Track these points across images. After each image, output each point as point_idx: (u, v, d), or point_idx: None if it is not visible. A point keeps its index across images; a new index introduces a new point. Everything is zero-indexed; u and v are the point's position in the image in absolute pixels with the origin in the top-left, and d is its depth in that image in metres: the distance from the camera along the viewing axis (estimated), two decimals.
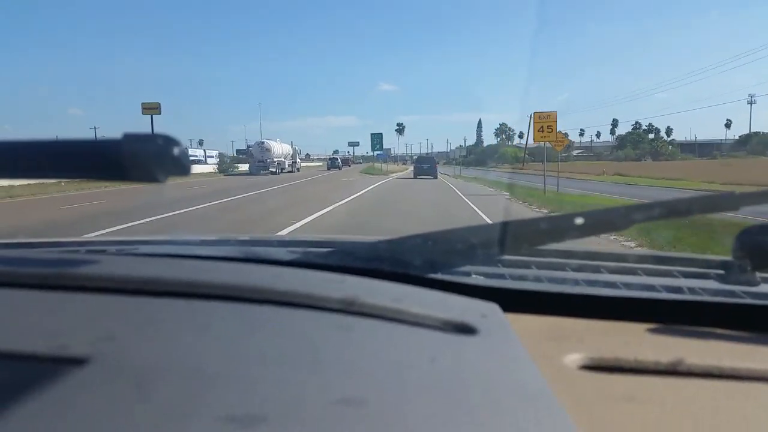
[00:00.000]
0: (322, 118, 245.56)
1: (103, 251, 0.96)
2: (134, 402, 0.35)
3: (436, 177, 30.77)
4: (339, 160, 65.30)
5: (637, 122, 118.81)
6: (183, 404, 0.35)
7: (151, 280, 0.59)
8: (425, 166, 32.91)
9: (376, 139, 56.28)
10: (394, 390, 0.39)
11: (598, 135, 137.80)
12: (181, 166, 0.52)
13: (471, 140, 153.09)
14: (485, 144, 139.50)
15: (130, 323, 0.50)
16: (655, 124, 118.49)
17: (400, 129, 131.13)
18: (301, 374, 0.40)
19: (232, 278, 0.61)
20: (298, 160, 52.97)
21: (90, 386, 0.37)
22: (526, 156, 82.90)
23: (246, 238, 1.33)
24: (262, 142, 45.10)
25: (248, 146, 58.88)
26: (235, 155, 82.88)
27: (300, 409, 0.35)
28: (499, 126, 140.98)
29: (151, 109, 40.96)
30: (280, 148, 47.55)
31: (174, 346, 0.44)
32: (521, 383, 0.42)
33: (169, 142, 0.51)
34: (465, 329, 0.52)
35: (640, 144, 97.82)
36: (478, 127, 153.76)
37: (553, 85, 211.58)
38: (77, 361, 0.40)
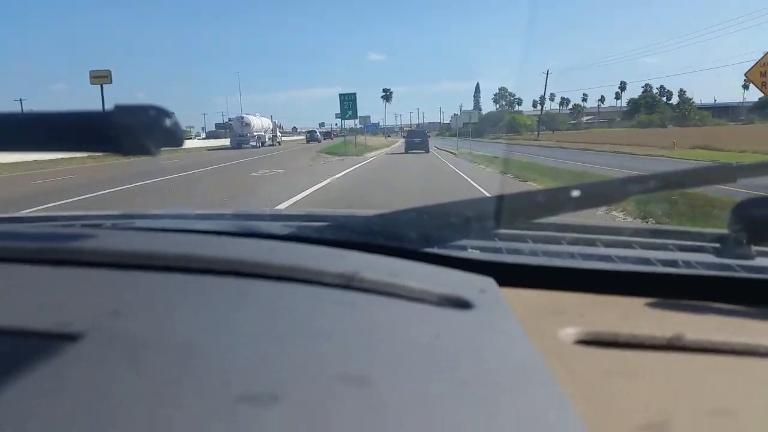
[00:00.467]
0: (310, 90, 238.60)
1: (98, 225, 0.96)
2: (128, 377, 0.35)
3: (427, 151, 30.05)
4: (318, 133, 64.69)
5: (647, 84, 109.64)
6: (178, 379, 0.34)
7: (146, 254, 0.59)
8: (416, 140, 32.09)
9: (348, 104, 34.87)
10: (392, 366, 0.39)
11: (602, 100, 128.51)
12: (173, 137, 0.52)
13: (466, 108, 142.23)
14: (483, 111, 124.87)
15: (125, 298, 0.50)
16: (666, 87, 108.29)
17: (387, 96, 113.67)
18: (300, 350, 0.40)
19: (228, 252, 0.60)
20: (278, 134, 53.40)
21: (83, 361, 0.37)
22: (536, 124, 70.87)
23: (241, 212, 1.29)
24: (242, 117, 45.37)
25: (228, 120, 62.28)
26: (214, 129, 77.49)
27: (298, 385, 0.35)
28: (498, 91, 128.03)
29: (101, 77, 37.21)
30: (259, 123, 50.62)
31: (169, 321, 0.44)
32: (517, 358, 0.42)
33: (161, 113, 0.51)
34: (461, 304, 0.52)
35: (656, 108, 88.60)
36: (475, 93, 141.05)
37: (549, 49, 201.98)
38: (71, 337, 0.40)
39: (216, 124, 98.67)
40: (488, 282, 0.61)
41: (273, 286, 0.54)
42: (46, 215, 1.18)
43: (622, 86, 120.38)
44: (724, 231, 0.77)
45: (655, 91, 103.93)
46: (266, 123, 48.80)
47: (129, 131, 0.51)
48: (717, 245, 0.78)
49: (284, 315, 0.47)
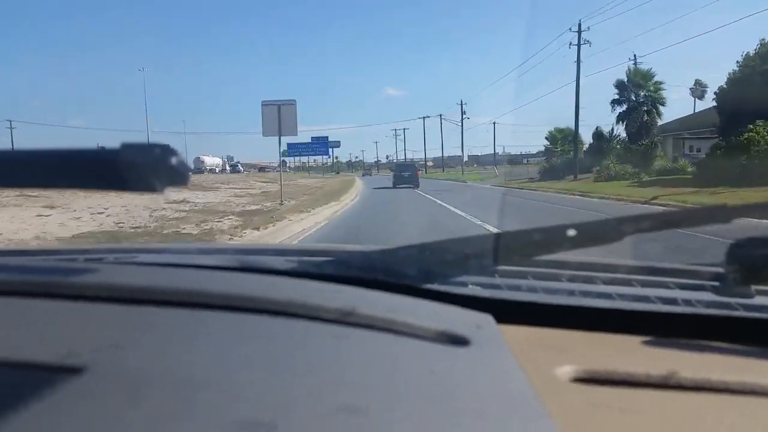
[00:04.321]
0: (324, 127, 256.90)
1: (100, 260, 0.98)
2: (129, 410, 0.36)
3: (417, 186, 28.56)
4: (239, 165, 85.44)
5: None
6: (178, 412, 0.36)
7: (148, 289, 0.61)
8: (405, 173, 30.38)
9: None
10: (386, 399, 0.40)
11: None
12: (179, 175, 0.53)
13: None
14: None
15: (127, 332, 0.52)
16: None
17: None
18: (297, 382, 0.41)
19: (229, 288, 0.63)
20: (227, 167, 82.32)
21: (85, 395, 0.38)
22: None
23: (242, 246, 1.34)
24: (198, 157, 76.51)
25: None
26: None
27: (295, 415, 0.36)
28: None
29: None
30: (211, 160, 79.61)
31: (170, 355, 0.46)
32: (513, 395, 0.43)
33: (167, 151, 0.52)
34: (458, 340, 0.53)
35: None
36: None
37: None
38: (73, 370, 0.41)
39: None
40: (486, 318, 0.62)
41: (272, 320, 0.55)
42: (50, 249, 1.20)
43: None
44: (722, 270, 0.79)
45: None
46: (217, 161, 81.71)
47: (135, 169, 0.52)
48: (716, 283, 0.80)
49: (283, 349, 0.49)
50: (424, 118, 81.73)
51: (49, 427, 0.34)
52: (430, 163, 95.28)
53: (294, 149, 36.95)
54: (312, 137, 40.73)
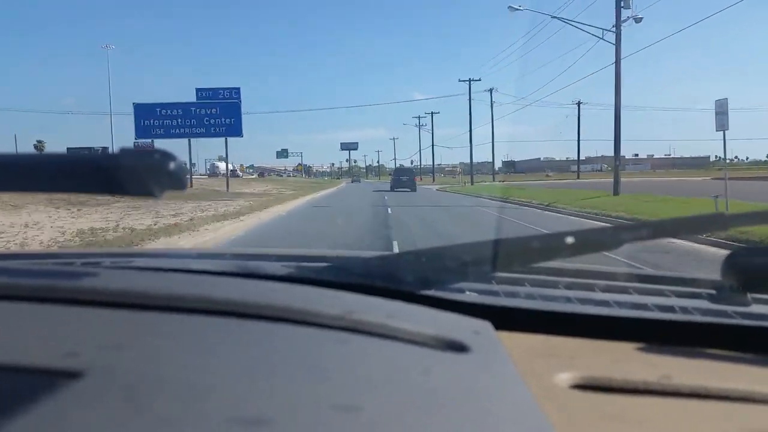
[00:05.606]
0: (355, 132, 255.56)
1: (98, 264, 0.99)
2: (128, 415, 0.36)
3: (414, 190, 29.49)
4: (238, 171, 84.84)
5: None
6: (177, 417, 0.36)
7: (145, 294, 0.61)
8: (403, 178, 31.39)
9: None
10: (384, 404, 0.40)
11: None
12: (177, 180, 0.53)
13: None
14: None
15: (126, 337, 0.52)
16: None
17: None
18: (295, 386, 0.42)
19: (228, 293, 0.63)
20: (238, 172, 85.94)
21: (83, 400, 0.38)
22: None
23: (241, 252, 1.39)
24: (213, 162, 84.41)
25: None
26: None
27: (294, 414, 0.37)
28: None
29: None
30: (223, 165, 77.08)
31: (168, 360, 0.46)
32: (511, 401, 0.44)
33: (166, 157, 0.53)
34: (456, 346, 0.53)
35: None
36: None
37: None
38: (71, 374, 0.41)
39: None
40: (484, 325, 0.63)
41: (271, 326, 0.55)
42: (48, 252, 1.22)
43: None
44: (719, 278, 0.79)
45: None
46: (228, 166, 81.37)
47: (134, 174, 0.53)
48: (713, 292, 0.81)
49: (281, 354, 0.49)
50: (470, 80, 49.56)
51: (47, 430, 0.34)
52: (458, 170, 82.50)
53: (147, 118, 22.13)
54: (197, 88, 23.06)
